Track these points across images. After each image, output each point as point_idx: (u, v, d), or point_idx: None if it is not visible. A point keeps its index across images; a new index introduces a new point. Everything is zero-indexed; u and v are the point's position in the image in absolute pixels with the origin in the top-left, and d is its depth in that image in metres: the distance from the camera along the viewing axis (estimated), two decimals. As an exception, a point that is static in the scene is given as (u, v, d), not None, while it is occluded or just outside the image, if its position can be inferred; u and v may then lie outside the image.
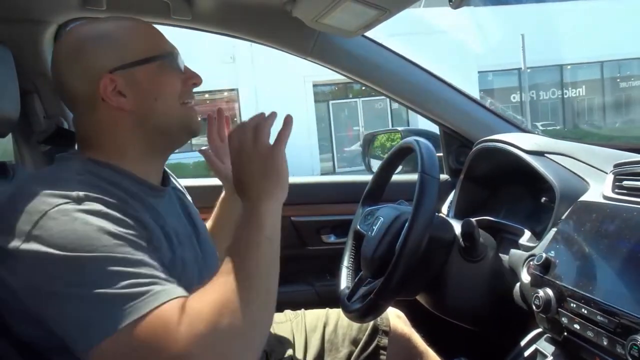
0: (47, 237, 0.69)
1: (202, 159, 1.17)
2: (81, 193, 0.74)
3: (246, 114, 13.91)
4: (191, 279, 0.85)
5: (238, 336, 0.69)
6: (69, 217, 0.71)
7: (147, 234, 0.79)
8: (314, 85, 14.68)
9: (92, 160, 0.84)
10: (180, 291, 0.70)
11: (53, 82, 0.89)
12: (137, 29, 0.90)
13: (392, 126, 14.73)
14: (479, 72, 14.97)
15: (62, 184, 0.75)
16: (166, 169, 1.01)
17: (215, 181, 1.88)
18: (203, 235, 1.02)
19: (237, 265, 0.73)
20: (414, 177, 1.05)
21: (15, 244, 0.71)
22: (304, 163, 13.00)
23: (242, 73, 13.49)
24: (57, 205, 0.72)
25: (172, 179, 1.05)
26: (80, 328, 0.68)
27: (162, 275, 0.71)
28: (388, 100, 14.87)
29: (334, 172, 14.36)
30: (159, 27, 0.96)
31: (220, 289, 0.71)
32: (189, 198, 1.10)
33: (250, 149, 0.81)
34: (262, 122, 0.83)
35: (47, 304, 0.70)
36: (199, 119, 0.94)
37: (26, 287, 0.71)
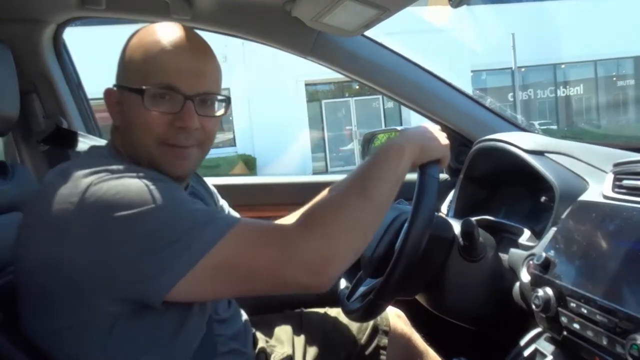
0: (102, 201, 0.74)
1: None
2: (121, 166, 0.80)
3: (238, 114, 13.85)
4: None
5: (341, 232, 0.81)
6: (117, 182, 0.76)
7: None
8: (307, 85, 14.66)
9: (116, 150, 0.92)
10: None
11: None
12: (148, 49, 0.86)
13: (386, 125, 14.72)
14: (472, 71, 14.93)
15: (98, 164, 0.80)
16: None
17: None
18: None
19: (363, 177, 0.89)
20: (413, 176, 1.05)
21: (65, 216, 0.74)
22: (296, 163, 13.00)
23: (234, 73, 13.46)
24: (100, 178, 0.77)
25: (195, 180, 1.10)
26: (164, 267, 0.73)
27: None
28: (381, 99, 14.93)
29: (326, 172, 14.33)
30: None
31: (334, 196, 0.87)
32: (214, 197, 1.16)
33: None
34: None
35: (118, 261, 0.73)
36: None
37: (84, 256, 0.74)
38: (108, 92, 0.92)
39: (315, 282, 0.80)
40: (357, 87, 14.86)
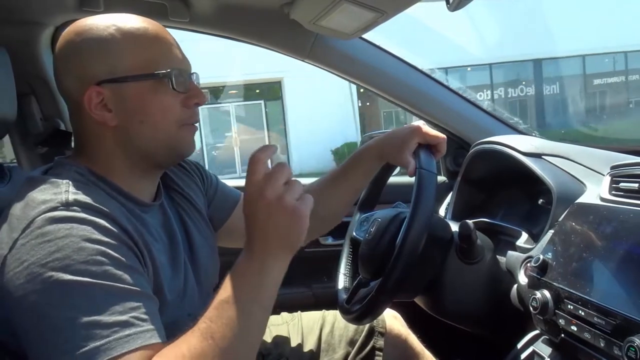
0: (28, 248, 0.68)
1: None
2: (71, 198, 0.72)
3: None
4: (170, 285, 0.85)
5: None
6: (54, 227, 0.69)
7: (132, 243, 0.76)
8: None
9: (88, 169, 0.82)
10: (151, 337, 0.67)
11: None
12: (141, 37, 0.82)
13: (268, 129, 14.36)
14: (430, 69, 14.56)
15: (55, 188, 0.74)
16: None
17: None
18: (197, 243, 0.99)
19: (220, 324, 0.68)
20: (410, 179, 1.05)
21: (2, 251, 0.70)
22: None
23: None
24: (45, 212, 0.70)
25: (179, 176, 1.03)
26: (43, 351, 0.66)
27: (139, 310, 0.68)
28: (263, 104, 14.37)
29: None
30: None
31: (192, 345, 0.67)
32: (197, 200, 1.05)
33: (276, 203, 0.71)
34: (296, 180, 0.74)
35: (22, 316, 0.68)
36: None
37: (6, 298, 0.69)
38: (94, 93, 0.80)
39: None
40: (235, 91, 14.17)
